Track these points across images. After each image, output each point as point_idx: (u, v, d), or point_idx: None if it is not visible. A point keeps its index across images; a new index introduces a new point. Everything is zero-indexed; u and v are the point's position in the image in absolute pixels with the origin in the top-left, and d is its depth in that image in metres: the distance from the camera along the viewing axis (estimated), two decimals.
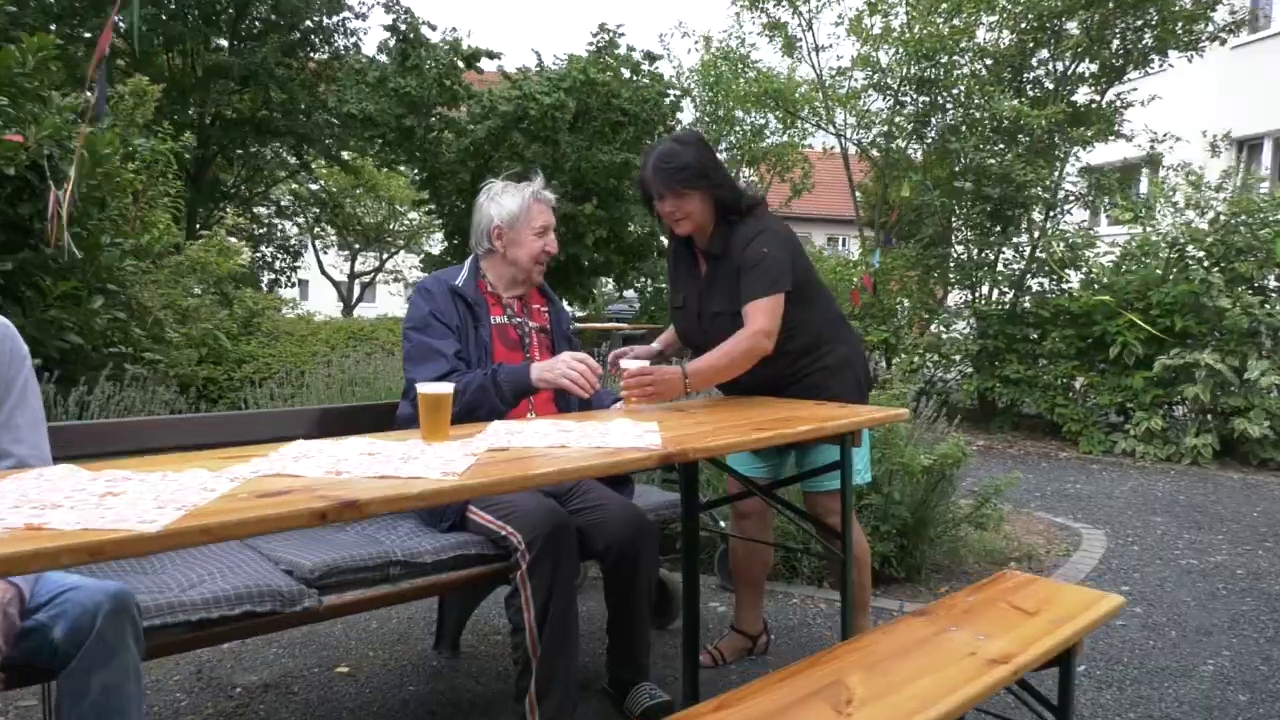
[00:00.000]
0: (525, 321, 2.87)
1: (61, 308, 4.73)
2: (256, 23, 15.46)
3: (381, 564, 2.37)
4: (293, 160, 16.80)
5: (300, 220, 19.18)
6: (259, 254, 19.04)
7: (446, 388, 2.00)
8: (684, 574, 2.84)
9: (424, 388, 1.99)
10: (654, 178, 2.69)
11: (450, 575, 2.47)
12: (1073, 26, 9.18)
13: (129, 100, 6.28)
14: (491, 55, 12.84)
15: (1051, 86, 9.49)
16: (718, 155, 2.79)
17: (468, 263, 2.89)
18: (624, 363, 2.57)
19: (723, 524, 3.87)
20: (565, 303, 15.86)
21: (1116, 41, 9.07)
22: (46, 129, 4.49)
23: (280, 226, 19.49)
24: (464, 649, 3.25)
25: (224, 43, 15.27)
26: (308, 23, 14.77)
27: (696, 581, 2.83)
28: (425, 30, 12.54)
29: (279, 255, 19.12)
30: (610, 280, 16.66)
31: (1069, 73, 9.40)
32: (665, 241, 3.10)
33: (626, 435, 2.06)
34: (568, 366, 2.53)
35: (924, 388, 8.51)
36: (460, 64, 12.45)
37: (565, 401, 2.85)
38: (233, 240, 18.16)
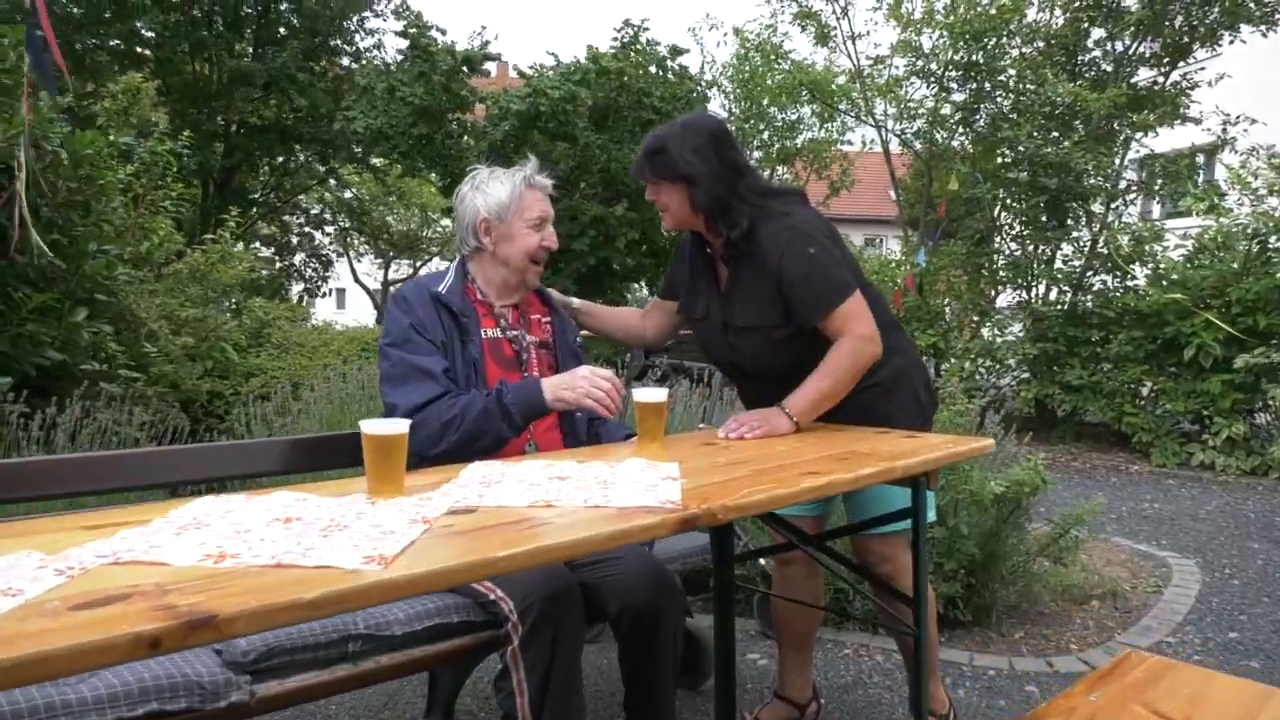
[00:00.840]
0: (522, 335, 2.39)
1: (40, 321, 4.35)
2: (280, 29, 15.23)
3: (338, 639, 1.90)
4: (320, 167, 16.56)
5: (330, 229, 18.94)
6: (289, 263, 18.84)
7: (399, 426, 1.53)
8: (717, 631, 2.36)
9: (370, 426, 1.52)
10: (639, 155, 2.30)
11: (425, 650, 1.99)
12: (1132, 3, 8.53)
13: (121, 99, 5.91)
14: (490, 57, 12.49)
15: (1109, 68, 8.84)
16: (738, 151, 2.31)
17: (452, 267, 2.42)
18: (639, 394, 2.07)
19: (762, 562, 3.37)
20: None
21: (1180, 18, 8.41)
22: (16, 127, 4.11)
23: (311, 235, 19.27)
24: (460, 716, 2.78)
25: (247, 49, 15.05)
26: (326, 24, 14.50)
27: (732, 640, 2.36)
28: (435, 34, 12.23)
29: (310, 264, 18.89)
30: (644, 285, 16.23)
31: (1129, 53, 8.75)
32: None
33: (637, 486, 1.58)
34: (590, 384, 2.10)
35: (981, 397, 7.92)
36: (464, 69, 12.10)
37: (571, 428, 2.38)
38: (255, 247, 18.04)
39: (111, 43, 14.10)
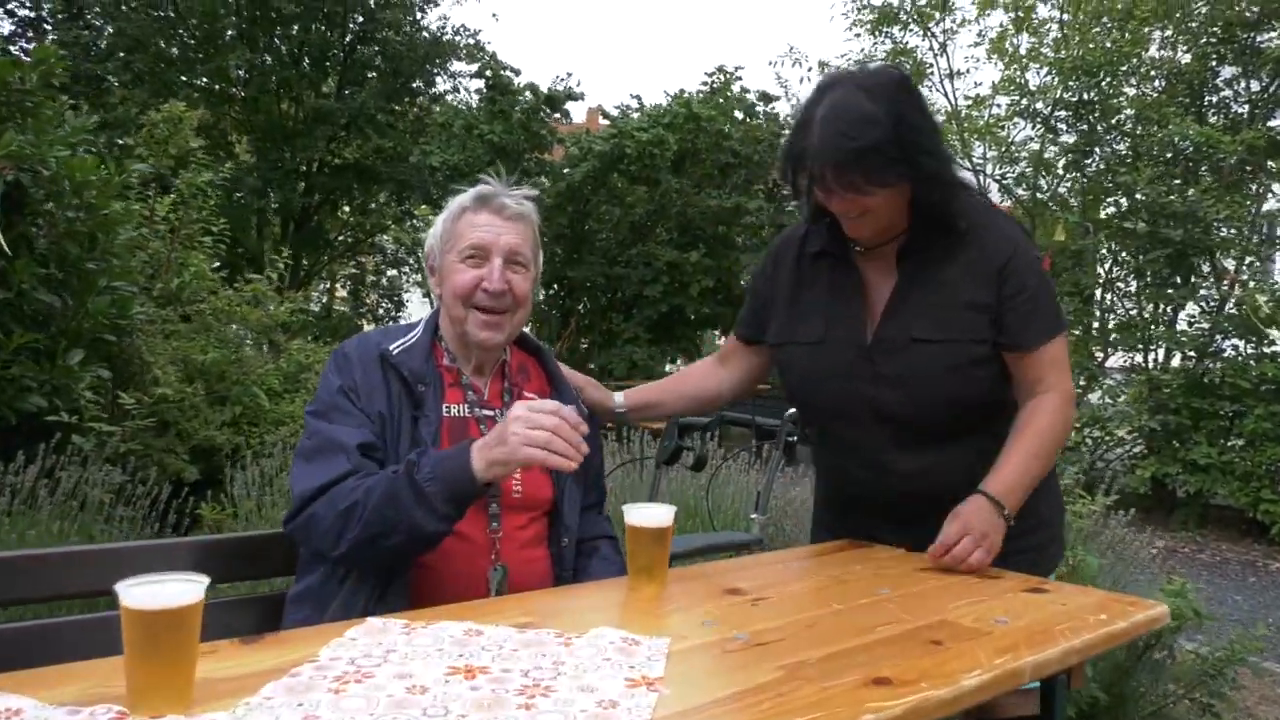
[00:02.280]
0: (501, 415, 1.74)
1: (26, 364, 3.94)
2: (367, 71, 15.29)
3: None
4: (398, 207, 16.52)
5: (407, 269, 18.88)
6: (364, 303, 18.81)
7: (184, 596, 0.93)
8: None
9: (133, 596, 0.92)
10: (823, 154, 1.55)
11: None
12: (1272, 38, 7.63)
13: (163, 128, 5.60)
14: (573, 97, 12.17)
15: (1243, 110, 7.92)
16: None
17: (424, 320, 1.82)
18: (631, 514, 1.41)
19: None
20: (673, 359, 14.84)
21: None
22: (7, 147, 3.74)
23: (386, 276, 19.23)
24: None
25: (331, 88, 15.14)
26: (409, 65, 14.46)
27: None
28: (508, 75, 12.05)
29: (382, 303, 18.81)
30: (719, 333, 15.62)
31: (1267, 93, 7.82)
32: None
33: (581, 706, 0.94)
34: (527, 427, 1.39)
35: (1088, 472, 7.00)
36: (545, 108, 11.84)
37: (559, 552, 1.73)
38: (322, 288, 18.04)
39: (200, 80, 14.29)
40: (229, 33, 14.29)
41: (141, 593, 0.91)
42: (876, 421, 1.68)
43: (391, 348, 1.69)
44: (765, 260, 1.91)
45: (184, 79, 14.12)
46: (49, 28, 13.14)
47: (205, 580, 0.95)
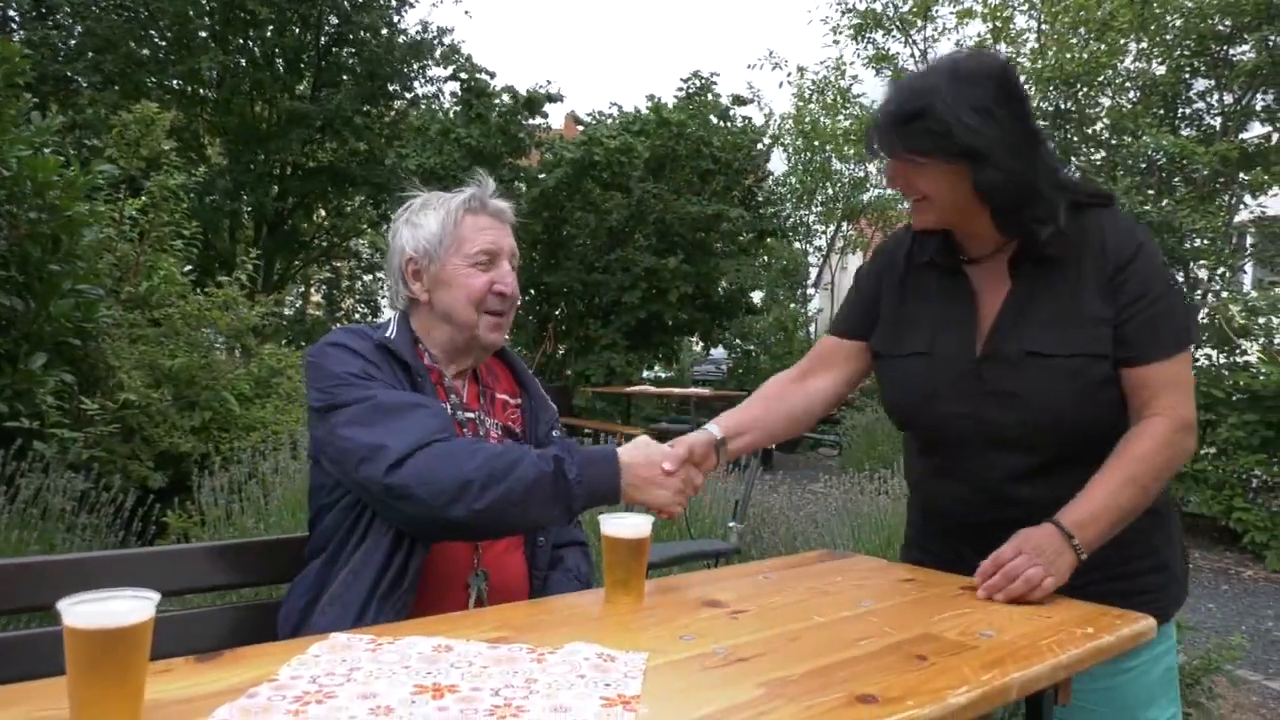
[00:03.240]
0: (480, 418, 1.72)
1: None
2: (342, 73, 15.17)
3: None
4: (374, 211, 16.39)
5: (381, 274, 18.74)
6: (339, 307, 18.64)
7: (131, 615, 0.87)
8: None
9: (79, 615, 0.86)
10: (877, 121, 1.53)
11: None
12: (1244, 51, 7.72)
13: (134, 129, 5.49)
14: (552, 99, 12.12)
15: (1215, 122, 8.01)
16: (1031, 109, 1.54)
17: (395, 317, 1.76)
18: (607, 524, 1.37)
19: None
20: (650, 366, 14.79)
21: None
22: None
23: (362, 279, 19.06)
24: None
25: (306, 91, 15.00)
26: (386, 67, 14.35)
27: None
28: (483, 78, 11.98)
29: (357, 309, 18.65)
30: (696, 339, 15.59)
31: (1240, 106, 7.91)
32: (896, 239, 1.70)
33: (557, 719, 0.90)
34: (677, 494, 1.52)
35: None
36: (524, 111, 11.77)
37: (534, 554, 1.71)
38: (299, 291, 17.79)
39: (173, 82, 14.11)
40: (201, 34, 14.14)
41: (85, 610, 0.86)
42: (987, 444, 1.54)
43: (386, 335, 1.66)
44: (875, 257, 1.79)
45: (155, 80, 13.95)
46: (15, 26, 12.93)
47: (155, 596, 0.90)
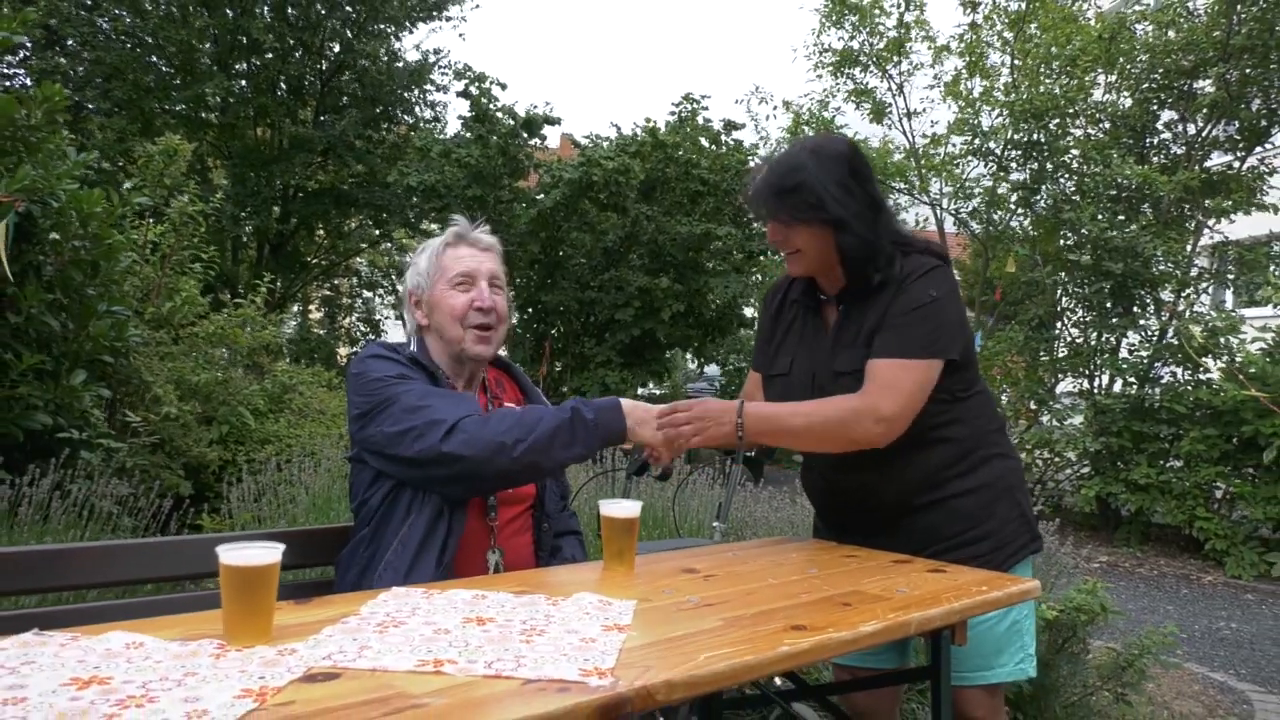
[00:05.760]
0: None
1: (33, 384, 4.17)
2: (343, 97, 15.55)
3: None
4: (374, 231, 16.75)
5: (382, 291, 19.07)
6: (340, 326, 18.96)
7: (266, 556, 1.22)
8: None
9: (231, 555, 1.21)
10: (757, 189, 1.95)
11: None
12: (1205, 85, 8.15)
13: (159, 160, 5.86)
14: (551, 121, 12.47)
15: (1180, 151, 8.43)
16: (874, 180, 1.95)
17: (413, 339, 2.12)
18: (606, 507, 1.72)
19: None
20: (644, 383, 15.12)
21: (1258, 101, 7.99)
22: (20, 181, 3.99)
23: (362, 297, 19.43)
24: None
25: (308, 115, 15.37)
26: (388, 92, 14.74)
27: None
28: (495, 89, 12.24)
29: (357, 327, 19.01)
30: (690, 355, 15.91)
31: (1202, 136, 8.33)
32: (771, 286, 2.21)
33: (568, 641, 1.24)
34: (676, 435, 1.88)
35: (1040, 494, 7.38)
36: (523, 133, 12.11)
37: (539, 537, 2.05)
38: (297, 311, 18.07)
39: (178, 107, 14.48)
40: (205, 61, 14.52)
41: (236, 554, 1.21)
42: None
43: (412, 351, 2.01)
44: (764, 300, 2.23)
45: (161, 106, 14.33)
46: (27, 54, 13.29)
47: (281, 546, 1.25)
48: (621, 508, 1.73)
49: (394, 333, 24.07)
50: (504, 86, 12.40)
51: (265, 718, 0.96)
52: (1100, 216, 7.72)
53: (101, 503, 3.55)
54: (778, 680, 2.30)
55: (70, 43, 13.45)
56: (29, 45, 13.38)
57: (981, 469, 1.93)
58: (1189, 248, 8.10)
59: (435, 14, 15.37)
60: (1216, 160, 8.49)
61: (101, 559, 1.74)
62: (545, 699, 1.03)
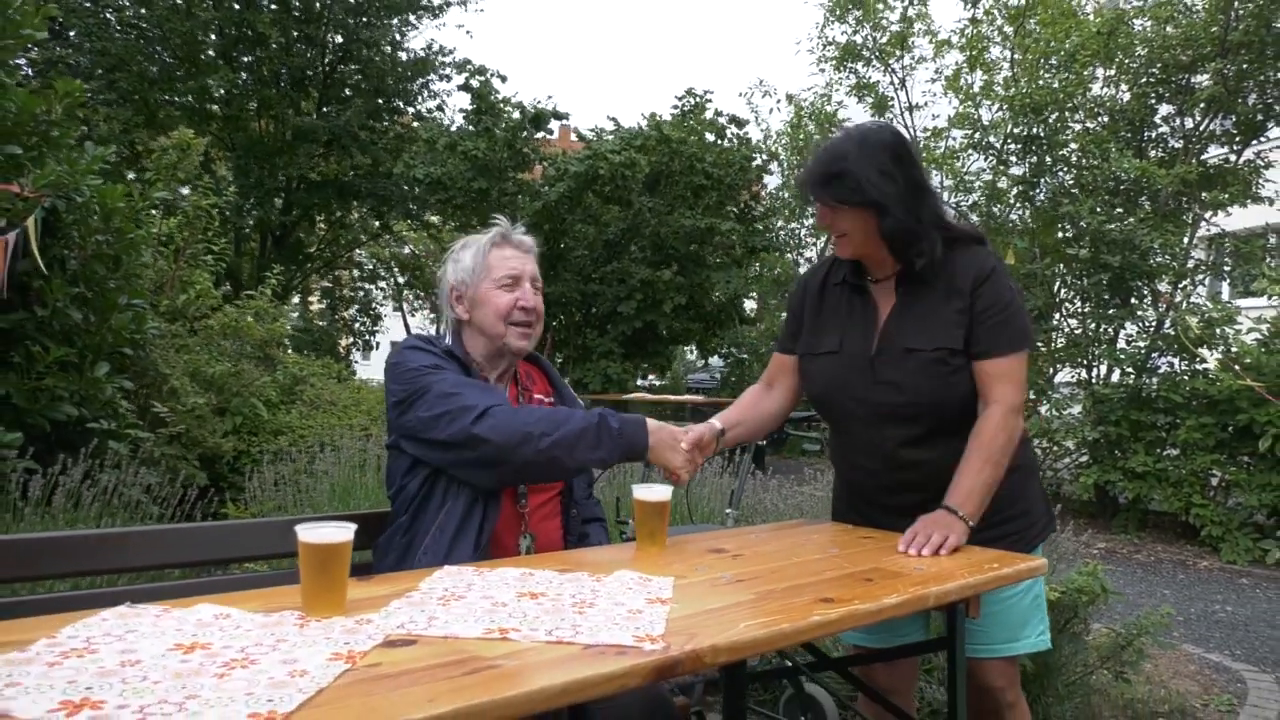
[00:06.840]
0: None
1: (58, 375, 4.27)
2: (346, 89, 15.59)
3: None
4: (375, 223, 16.82)
5: (383, 284, 19.15)
6: (341, 318, 19.03)
7: (342, 534, 1.33)
8: None
9: (309, 533, 1.32)
10: (805, 174, 2.07)
11: None
12: (1202, 80, 8.24)
13: (172, 154, 5.94)
14: (558, 116, 12.54)
15: (1178, 145, 8.53)
16: (920, 168, 2.07)
17: (449, 333, 2.22)
18: (639, 491, 1.83)
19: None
20: (644, 375, 15.24)
21: (1254, 95, 8.09)
22: (47, 177, 4.08)
23: (364, 289, 19.50)
24: None
25: (312, 107, 15.41)
26: (391, 82, 14.77)
27: None
28: (496, 82, 12.30)
29: (359, 318, 19.08)
30: (692, 349, 16.03)
31: (1199, 130, 8.43)
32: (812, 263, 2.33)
33: (617, 612, 1.35)
34: (689, 459, 2.02)
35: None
36: (530, 127, 12.17)
37: (568, 522, 2.15)
38: (297, 302, 18.15)
39: (183, 99, 14.51)
40: (209, 52, 14.56)
41: (314, 533, 1.31)
42: (879, 419, 2.04)
43: (448, 344, 2.10)
44: (798, 285, 2.31)
45: (166, 98, 14.37)
46: (31, 46, 13.31)
47: (353, 526, 1.35)
48: (654, 491, 1.84)
49: (394, 324, 24.17)
50: (504, 79, 12.47)
51: (359, 676, 1.07)
52: (1098, 209, 7.83)
53: (130, 491, 3.65)
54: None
55: (73, 34, 13.47)
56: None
57: (1020, 450, 2.02)
58: (1186, 240, 8.21)
59: (438, 13, 15.41)
60: (1213, 154, 8.59)
61: (179, 540, 1.86)
62: (606, 661, 1.14)
